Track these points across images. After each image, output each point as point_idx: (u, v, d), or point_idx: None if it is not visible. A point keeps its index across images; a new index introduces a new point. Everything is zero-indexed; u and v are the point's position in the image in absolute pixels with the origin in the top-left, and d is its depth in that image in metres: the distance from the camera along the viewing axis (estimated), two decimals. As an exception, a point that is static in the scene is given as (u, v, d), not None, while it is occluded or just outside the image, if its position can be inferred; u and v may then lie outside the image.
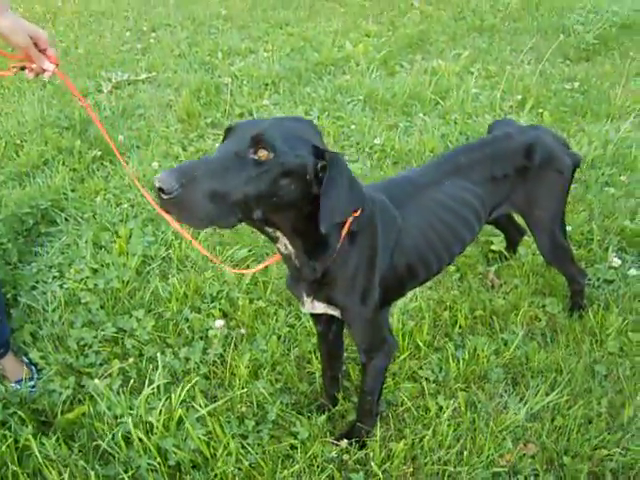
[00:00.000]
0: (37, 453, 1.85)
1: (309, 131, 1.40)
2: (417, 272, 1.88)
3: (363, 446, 1.97)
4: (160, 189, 1.15)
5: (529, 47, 4.98)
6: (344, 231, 1.54)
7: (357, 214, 1.51)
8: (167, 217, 1.29)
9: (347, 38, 5.23)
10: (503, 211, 2.15)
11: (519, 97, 4.06)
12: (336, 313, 1.72)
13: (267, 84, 4.36)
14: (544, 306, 2.48)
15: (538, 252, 2.35)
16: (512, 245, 2.77)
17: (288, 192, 1.32)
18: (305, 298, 1.69)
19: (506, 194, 2.08)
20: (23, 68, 1.74)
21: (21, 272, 2.65)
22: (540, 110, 3.93)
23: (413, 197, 1.88)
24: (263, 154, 1.26)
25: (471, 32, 5.57)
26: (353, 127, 3.75)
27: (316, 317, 1.95)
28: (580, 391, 2.11)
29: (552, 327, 2.39)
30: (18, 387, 2.16)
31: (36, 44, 1.67)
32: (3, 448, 1.88)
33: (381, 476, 1.87)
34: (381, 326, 1.82)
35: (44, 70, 1.72)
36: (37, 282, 2.59)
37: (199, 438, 1.91)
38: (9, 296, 2.52)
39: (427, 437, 1.96)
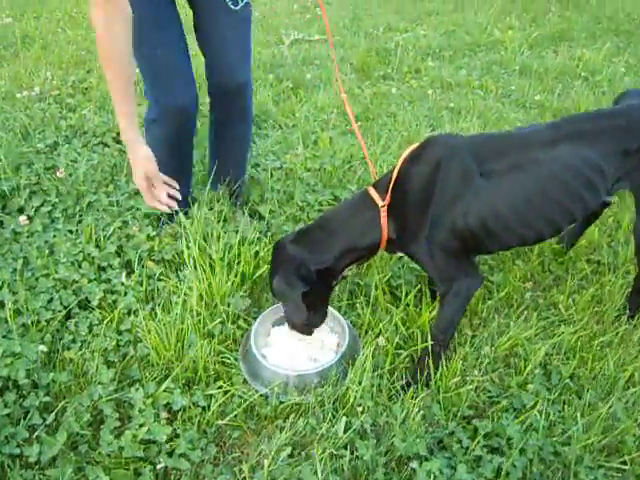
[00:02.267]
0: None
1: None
2: (498, 236, 1.84)
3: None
4: None
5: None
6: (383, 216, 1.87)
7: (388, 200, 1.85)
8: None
9: (495, 28, 5.67)
10: (617, 189, 1.96)
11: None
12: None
13: (429, 53, 4.85)
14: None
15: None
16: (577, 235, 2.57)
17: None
18: None
19: (629, 170, 1.90)
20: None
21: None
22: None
23: (509, 154, 1.80)
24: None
25: (609, 33, 5.90)
26: (513, 87, 4.17)
27: None
28: None
29: None
30: None
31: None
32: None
33: (565, 315, 2.25)
34: (451, 266, 1.86)
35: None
36: (258, 164, 3.11)
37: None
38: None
39: (607, 289, 2.33)
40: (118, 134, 3.28)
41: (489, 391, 1.94)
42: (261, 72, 4.31)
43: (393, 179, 1.87)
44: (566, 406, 1.89)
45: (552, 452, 1.74)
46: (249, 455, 1.76)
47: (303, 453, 1.74)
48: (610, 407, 1.86)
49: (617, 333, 2.15)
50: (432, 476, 1.62)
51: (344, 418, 1.79)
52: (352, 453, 1.72)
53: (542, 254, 2.52)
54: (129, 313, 2.15)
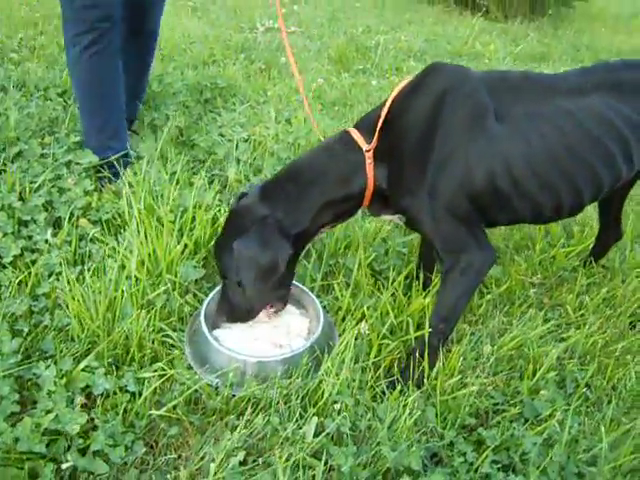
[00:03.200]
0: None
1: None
2: (509, 199, 1.48)
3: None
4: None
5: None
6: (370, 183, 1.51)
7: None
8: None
9: (476, 41, 5.46)
10: None
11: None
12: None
13: (410, 55, 4.57)
14: None
15: None
16: (601, 248, 2.17)
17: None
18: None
19: None
20: None
21: (204, 124, 2.78)
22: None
23: (530, 98, 1.49)
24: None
25: (590, 59, 5.78)
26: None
27: None
28: None
29: None
30: None
31: None
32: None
33: (573, 317, 1.92)
34: (460, 232, 1.50)
35: None
36: (223, 134, 2.71)
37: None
38: (194, 137, 2.64)
39: (620, 291, 2.02)
40: (64, 91, 2.86)
41: (492, 397, 1.57)
42: (231, 52, 3.95)
43: (383, 115, 1.50)
44: (586, 418, 1.53)
45: (575, 473, 1.38)
46: (189, 459, 1.35)
47: (260, 460, 1.33)
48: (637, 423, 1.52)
49: (638, 338, 1.83)
50: (431, 496, 1.24)
51: (315, 418, 1.40)
52: (325, 463, 1.31)
53: (544, 250, 2.19)
54: (50, 275, 1.72)
